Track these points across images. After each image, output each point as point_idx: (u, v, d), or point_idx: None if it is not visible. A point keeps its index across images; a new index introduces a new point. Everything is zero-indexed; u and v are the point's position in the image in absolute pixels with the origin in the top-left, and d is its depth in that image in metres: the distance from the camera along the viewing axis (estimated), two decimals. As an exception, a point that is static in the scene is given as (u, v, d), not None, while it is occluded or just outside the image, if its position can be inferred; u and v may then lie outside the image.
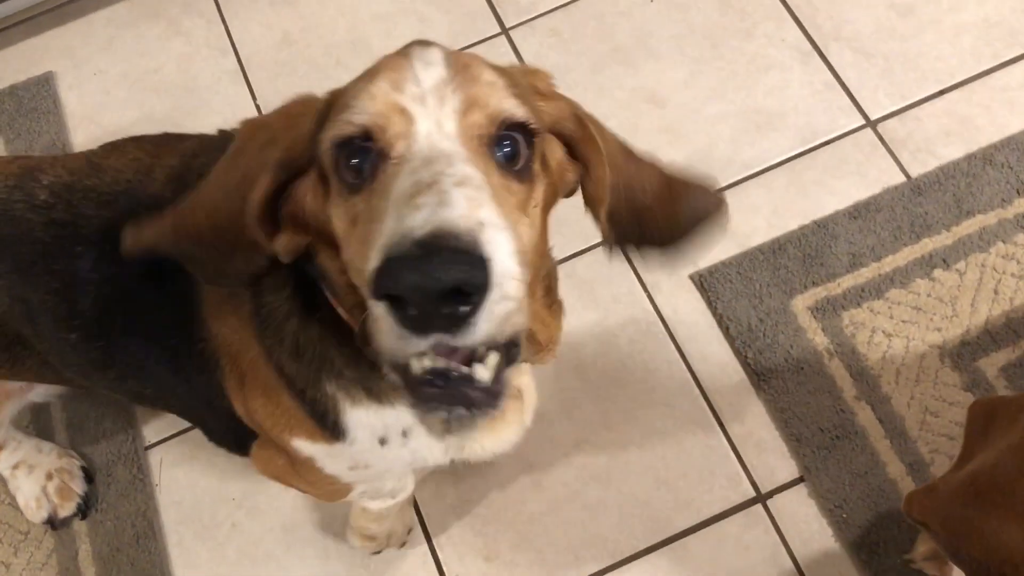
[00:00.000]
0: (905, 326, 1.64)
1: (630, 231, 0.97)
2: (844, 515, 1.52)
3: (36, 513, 1.62)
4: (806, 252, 1.71)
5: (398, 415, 1.06)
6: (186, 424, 1.69)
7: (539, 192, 0.87)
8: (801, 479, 1.56)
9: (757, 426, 1.61)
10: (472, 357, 0.76)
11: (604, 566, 1.53)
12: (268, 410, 1.13)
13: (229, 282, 0.98)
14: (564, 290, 1.75)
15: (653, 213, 0.98)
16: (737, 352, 1.66)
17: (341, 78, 1.98)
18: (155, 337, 1.16)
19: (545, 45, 1.99)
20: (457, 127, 0.79)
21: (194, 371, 1.15)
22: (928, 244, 1.69)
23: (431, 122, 0.79)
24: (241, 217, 0.88)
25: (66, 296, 1.17)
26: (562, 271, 1.77)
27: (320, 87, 1.98)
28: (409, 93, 0.80)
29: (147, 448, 1.69)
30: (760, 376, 1.63)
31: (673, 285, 1.74)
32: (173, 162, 1.16)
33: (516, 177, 0.83)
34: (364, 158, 0.81)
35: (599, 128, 0.94)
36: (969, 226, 1.69)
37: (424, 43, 0.87)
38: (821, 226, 1.73)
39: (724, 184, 1.80)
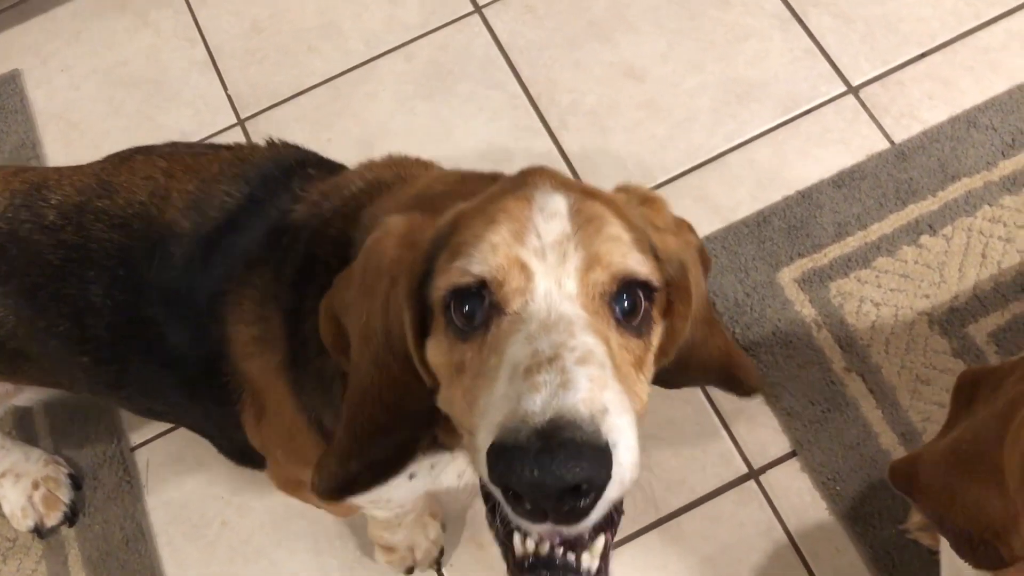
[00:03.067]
0: (893, 294, 1.62)
1: (660, 376, 0.92)
2: (838, 488, 1.51)
3: (22, 522, 1.60)
4: (791, 223, 1.69)
5: (430, 456, 1.04)
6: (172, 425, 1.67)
7: (656, 341, 0.84)
8: (793, 453, 1.55)
9: (747, 402, 1.59)
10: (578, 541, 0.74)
11: (598, 549, 1.52)
12: (291, 448, 1.11)
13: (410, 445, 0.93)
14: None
15: (693, 373, 0.96)
16: (724, 327, 1.64)
17: (313, 65, 1.96)
18: (173, 365, 1.12)
19: (519, 22, 1.95)
20: (578, 287, 0.76)
21: (212, 402, 1.12)
22: (914, 210, 1.67)
23: (551, 280, 0.75)
24: (406, 370, 0.85)
25: (78, 321, 1.12)
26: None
27: (292, 74, 1.95)
28: (530, 246, 0.76)
29: (133, 449, 1.67)
30: (748, 350, 1.61)
31: (658, 262, 1.72)
32: (190, 187, 1.11)
33: (634, 333, 0.80)
34: (477, 305, 0.77)
35: (697, 275, 0.90)
36: (955, 190, 1.67)
37: (546, 181, 0.83)
38: (805, 196, 1.71)
39: (706, 158, 1.77)
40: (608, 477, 0.65)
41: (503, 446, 0.65)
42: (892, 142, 1.74)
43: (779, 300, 1.64)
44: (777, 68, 1.84)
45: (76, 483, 1.63)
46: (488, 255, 0.76)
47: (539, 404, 0.66)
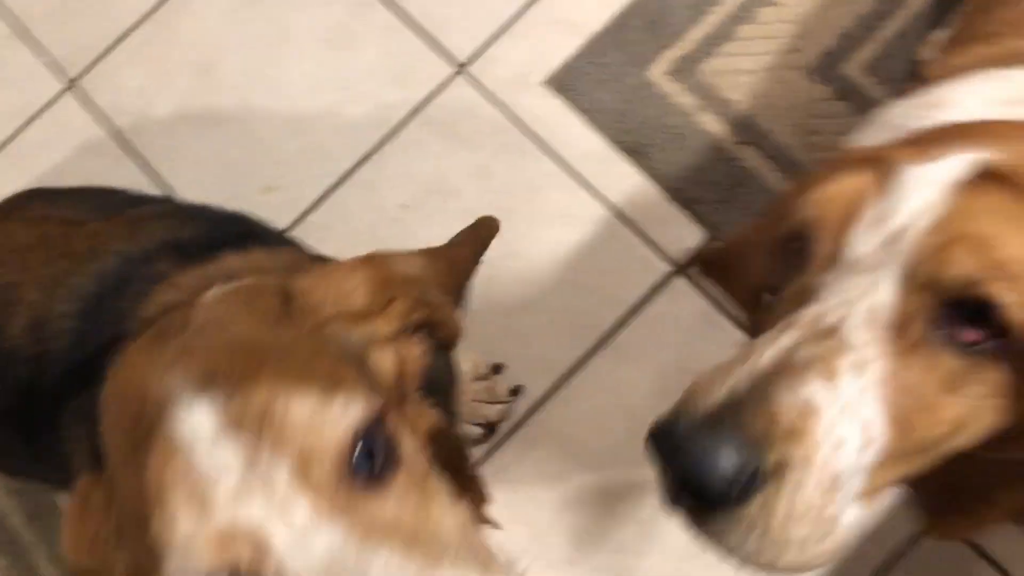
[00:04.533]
0: (763, 58, 1.60)
1: None
2: (760, 257, 1.51)
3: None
4: (648, 19, 1.65)
5: None
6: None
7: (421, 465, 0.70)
8: (713, 239, 1.54)
9: (652, 204, 1.58)
10: None
11: (549, 385, 1.51)
12: None
13: None
14: (424, 137, 1.69)
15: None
16: (613, 140, 1.61)
17: (127, 2, 1.83)
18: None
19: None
20: (313, 504, 0.60)
21: None
22: (762, -29, 1.64)
23: (280, 525, 0.60)
24: None
25: None
26: (418, 119, 1.70)
27: (109, 18, 1.83)
28: (221, 498, 0.60)
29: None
30: (641, 155, 1.59)
31: (532, 98, 1.68)
32: (34, 296, 0.94)
33: (392, 469, 0.65)
34: None
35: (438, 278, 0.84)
36: (795, -61, 1.65)
37: (181, 398, 0.64)
38: (654, -11, 1.67)
39: (547, -21, 1.72)
40: None
41: None
42: (724, -89, 1.70)
43: (656, 98, 1.61)
44: None
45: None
46: (184, 545, 0.59)
47: None
